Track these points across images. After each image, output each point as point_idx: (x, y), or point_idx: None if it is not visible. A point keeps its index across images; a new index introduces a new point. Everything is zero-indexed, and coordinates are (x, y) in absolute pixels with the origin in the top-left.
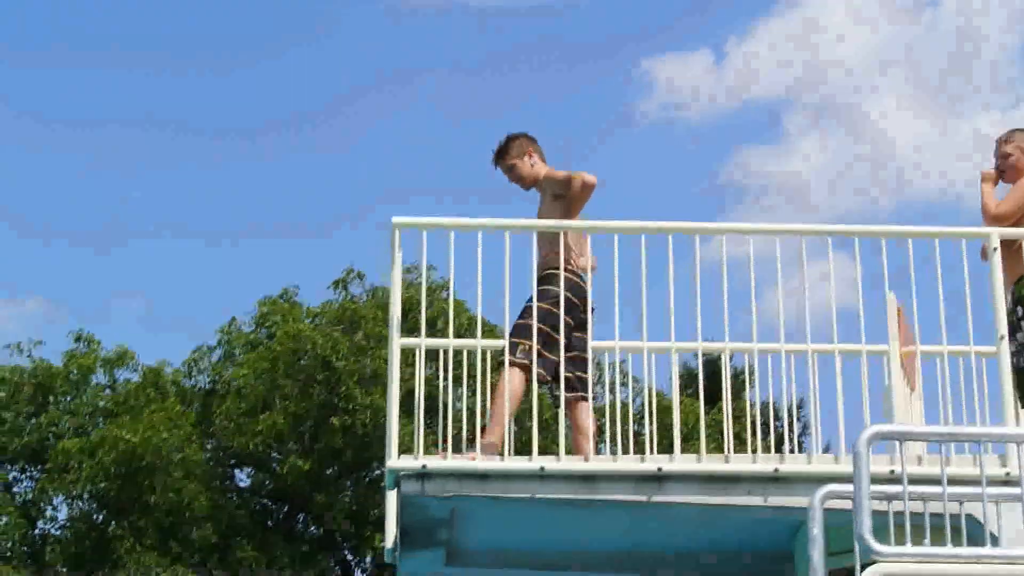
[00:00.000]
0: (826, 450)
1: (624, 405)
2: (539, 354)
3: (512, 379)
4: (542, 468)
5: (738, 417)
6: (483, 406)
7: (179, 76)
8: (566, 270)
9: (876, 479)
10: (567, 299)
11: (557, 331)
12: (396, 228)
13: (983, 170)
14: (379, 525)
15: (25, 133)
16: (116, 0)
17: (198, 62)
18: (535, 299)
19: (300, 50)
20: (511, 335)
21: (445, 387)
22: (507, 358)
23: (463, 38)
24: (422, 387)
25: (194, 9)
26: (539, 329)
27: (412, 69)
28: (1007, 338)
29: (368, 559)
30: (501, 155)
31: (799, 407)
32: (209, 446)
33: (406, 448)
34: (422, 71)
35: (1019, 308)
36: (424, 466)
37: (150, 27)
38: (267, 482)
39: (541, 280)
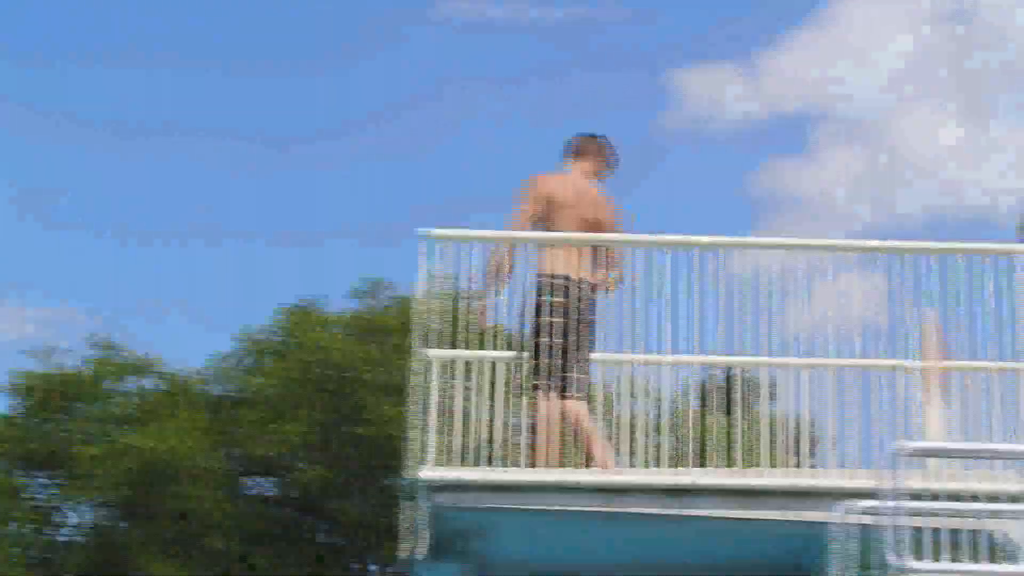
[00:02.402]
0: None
1: (646, 417)
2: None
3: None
4: (571, 481)
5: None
6: (506, 418)
7: (224, 80)
8: (552, 275)
9: (902, 495)
10: (559, 303)
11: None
12: (423, 239)
13: None
14: (397, 534)
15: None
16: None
17: (239, 69)
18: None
19: (347, 61)
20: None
21: (468, 398)
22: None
23: (501, 51)
24: (454, 398)
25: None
26: (544, 343)
27: (451, 80)
28: None
29: (385, 568)
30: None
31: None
32: (228, 454)
33: (429, 459)
34: (464, 82)
35: None
36: (452, 477)
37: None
38: (284, 490)
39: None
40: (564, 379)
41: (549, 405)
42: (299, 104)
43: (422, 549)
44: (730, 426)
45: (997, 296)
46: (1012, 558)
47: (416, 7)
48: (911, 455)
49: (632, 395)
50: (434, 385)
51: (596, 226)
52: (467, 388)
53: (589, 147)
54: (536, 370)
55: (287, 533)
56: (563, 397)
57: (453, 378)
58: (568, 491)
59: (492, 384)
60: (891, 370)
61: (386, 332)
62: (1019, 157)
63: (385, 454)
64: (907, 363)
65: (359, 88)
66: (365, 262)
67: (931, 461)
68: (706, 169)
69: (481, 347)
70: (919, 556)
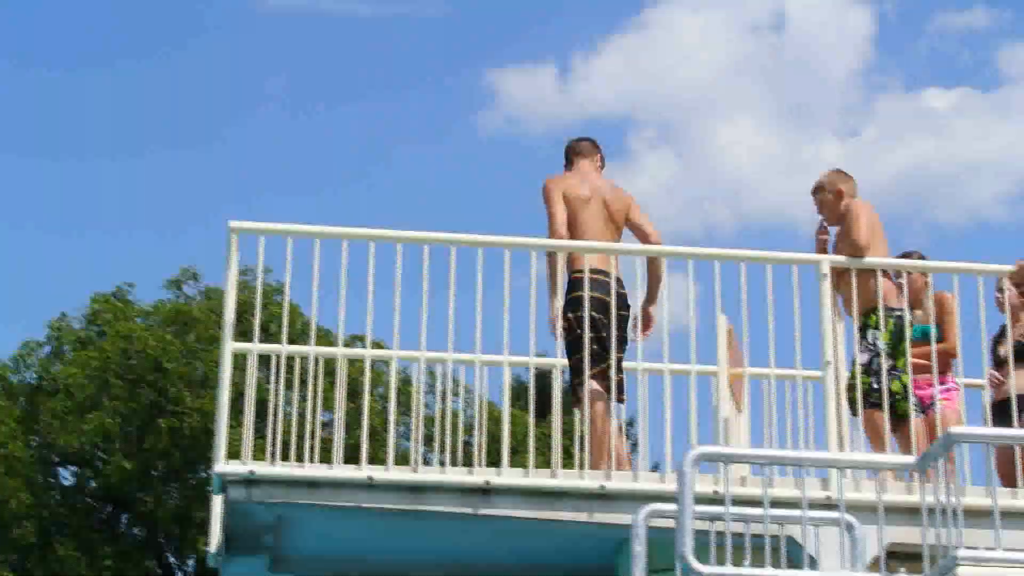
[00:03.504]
0: (655, 469)
1: (454, 415)
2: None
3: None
4: (370, 477)
5: (568, 432)
6: (314, 413)
7: (30, 67)
8: (590, 271)
9: (700, 499)
10: (595, 299)
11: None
12: (233, 232)
13: (817, 232)
14: (203, 528)
15: None
16: None
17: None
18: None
19: (153, 52)
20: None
21: (278, 392)
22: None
23: (311, 42)
24: (253, 392)
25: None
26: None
27: (259, 71)
28: (832, 364)
29: (191, 562)
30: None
31: (629, 424)
32: (33, 443)
33: (234, 453)
34: (270, 73)
35: (867, 337)
36: (252, 472)
37: None
38: (91, 481)
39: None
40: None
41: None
42: (95, 98)
43: (220, 543)
44: (539, 426)
45: (803, 305)
46: (802, 564)
47: None
48: (701, 459)
49: (444, 393)
50: (249, 379)
51: (621, 216)
52: (267, 381)
53: (585, 146)
54: (579, 367)
55: (94, 524)
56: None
57: (260, 372)
58: (367, 488)
59: (303, 379)
60: (703, 375)
61: (196, 323)
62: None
63: (195, 447)
64: (716, 368)
65: (159, 77)
66: (180, 252)
67: (738, 467)
68: (522, 170)
69: (292, 342)
70: (717, 560)
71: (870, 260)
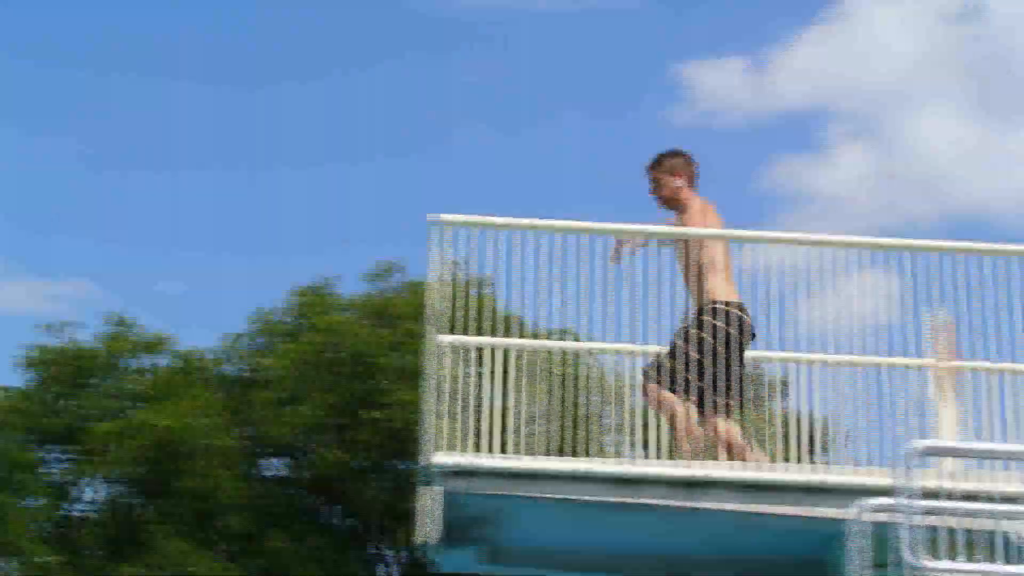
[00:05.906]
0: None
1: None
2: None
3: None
4: (585, 470)
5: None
6: (516, 405)
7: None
8: (726, 302)
9: (917, 493)
10: (721, 328)
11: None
12: (433, 225)
13: None
14: (411, 519)
15: None
16: None
17: None
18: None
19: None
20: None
21: (492, 385)
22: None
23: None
24: (469, 384)
25: None
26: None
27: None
28: None
29: (401, 552)
30: (654, 165)
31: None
32: (243, 434)
33: (442, 444)
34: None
35: None
36: (466, 464)
37: None
38: (301, 472)
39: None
40: (715, 401)
41: (686, 406)
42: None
43: (435, 535)
44: (744, 421)
45: (1010, 297)
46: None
47: None
48: (925, 454)
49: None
50: (447, 371)
51: None
52: (480, 374)
53: (678, 163)
54: (672, 375)
55: (302, 515)
56: (702, 413)
57: (466, 364)
58: (582, 480)
59: (505, 371)
60: (906, 369)
61: (398, 316)
62: None
63: (401, 439)
64: (921, 362)
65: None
66: (378, 245)
67: (947, 460)
68: (715, 165)
69: (493, 334)
70: (934, 555)
71: None
